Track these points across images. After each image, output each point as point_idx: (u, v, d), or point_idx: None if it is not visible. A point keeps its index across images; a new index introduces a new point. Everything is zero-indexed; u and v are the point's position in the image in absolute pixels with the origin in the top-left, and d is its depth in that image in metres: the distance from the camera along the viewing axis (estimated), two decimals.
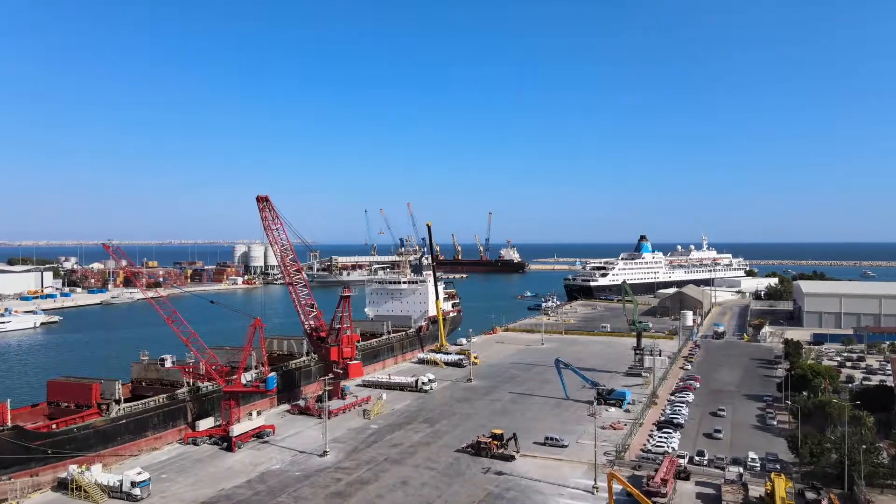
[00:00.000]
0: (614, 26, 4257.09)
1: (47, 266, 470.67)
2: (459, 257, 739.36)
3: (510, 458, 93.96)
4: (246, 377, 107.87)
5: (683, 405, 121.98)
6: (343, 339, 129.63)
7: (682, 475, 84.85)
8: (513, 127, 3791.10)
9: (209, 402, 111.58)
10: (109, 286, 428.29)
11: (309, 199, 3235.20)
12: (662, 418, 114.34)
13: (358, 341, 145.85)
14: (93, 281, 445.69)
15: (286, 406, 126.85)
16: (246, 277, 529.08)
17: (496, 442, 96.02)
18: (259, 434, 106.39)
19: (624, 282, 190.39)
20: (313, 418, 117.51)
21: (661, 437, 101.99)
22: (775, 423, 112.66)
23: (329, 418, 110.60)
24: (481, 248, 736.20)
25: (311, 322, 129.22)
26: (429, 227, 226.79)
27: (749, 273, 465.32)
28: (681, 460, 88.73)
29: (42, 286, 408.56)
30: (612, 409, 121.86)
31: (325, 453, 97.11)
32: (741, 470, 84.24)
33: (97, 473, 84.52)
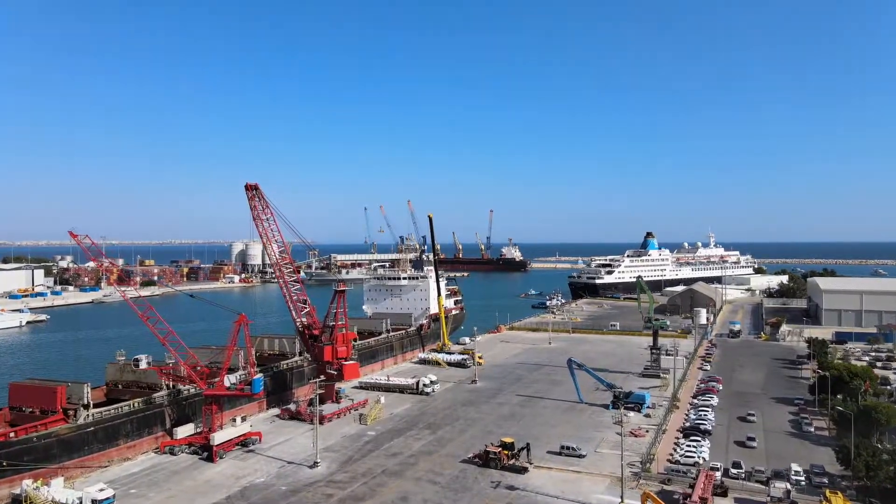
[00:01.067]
0: (615, 24, 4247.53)
1: (39, 264, 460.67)
2: (460, 256, 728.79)
3: (522, 471, 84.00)
4: (230, 379, 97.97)
5: (708, 409, 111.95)
6: (338, 337, 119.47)
7: (719, 491, 74.83)
8: (514, 126, 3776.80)
9: (190, 407, 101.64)
10: (102, 284, 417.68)
11: (309, 198, 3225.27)
12: (687, 424, 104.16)
13: (354, 340, 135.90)
14: (86, 279, 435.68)
15: (276, 410, 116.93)
16: (243, 276, 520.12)
17: (506, 452, 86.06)
18: (244, 442, 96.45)
19: (639, 277, 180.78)
20: (305, 424, 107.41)
21: (689, 445, 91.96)
22: (812, 429, 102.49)
23: (321, 424, 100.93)
24: (482, 247, 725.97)
25: (304, 319, 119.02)
26: (430, 220, 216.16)
27: (758, 271, 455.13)
28: (716, 473, 78.59)
29: (33, 284, 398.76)
30: (631, 414, 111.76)
31: (315, 464, 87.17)
32: (788, 486, 73.85)
33: (56, 489, 74.72)
